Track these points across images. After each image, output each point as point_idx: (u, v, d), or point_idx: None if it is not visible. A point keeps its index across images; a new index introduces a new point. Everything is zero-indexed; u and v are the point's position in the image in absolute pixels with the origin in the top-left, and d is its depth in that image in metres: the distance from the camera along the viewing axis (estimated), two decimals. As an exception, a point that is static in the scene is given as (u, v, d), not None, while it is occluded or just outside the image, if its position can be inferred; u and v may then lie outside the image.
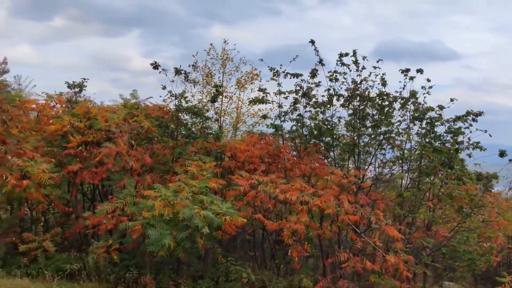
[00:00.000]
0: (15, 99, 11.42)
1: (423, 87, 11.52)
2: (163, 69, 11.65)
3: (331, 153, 11.81)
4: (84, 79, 12.21)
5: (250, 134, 12.26)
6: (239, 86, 13.88)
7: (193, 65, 12.26)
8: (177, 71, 11.58)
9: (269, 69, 12.30)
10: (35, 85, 39.30)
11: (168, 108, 12.63)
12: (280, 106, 12.24)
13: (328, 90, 11.64)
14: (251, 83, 13.85)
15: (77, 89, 12.11)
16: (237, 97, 14.37)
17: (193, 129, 11.94)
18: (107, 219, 9.36)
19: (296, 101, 12.00)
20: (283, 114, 12.10)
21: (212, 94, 11.95)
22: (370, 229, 10.15)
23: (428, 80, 11.47)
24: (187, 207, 8.62)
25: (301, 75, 12.02)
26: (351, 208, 9.57)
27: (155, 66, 11.61)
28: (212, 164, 10.16)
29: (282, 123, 12.35)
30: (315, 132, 11.59)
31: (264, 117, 12.72)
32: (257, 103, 12.43)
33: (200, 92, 13.33)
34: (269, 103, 12.31)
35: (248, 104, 12.73)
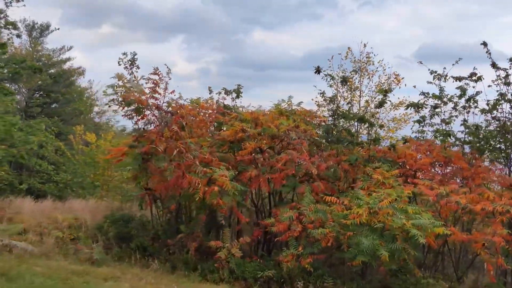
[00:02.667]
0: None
1: None
2: (325, 74, 11.52)
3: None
4: (239, 85, 12.20)
5: (413, 140, 11.79)
6: (380, 91, 13.45)
7: (355, 71, 11.96)
8: (343, 80, 11.42)
9: (430, 72, 11.92)
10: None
11: (317, 113, 12.51)
12: (418, 109, 11.90)
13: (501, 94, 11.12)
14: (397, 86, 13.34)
15: (234, 95, 12.09)
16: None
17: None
18: (294, 225, 9.27)
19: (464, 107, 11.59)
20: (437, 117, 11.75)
21: (380, 100, 11.63)
22: None
23: None
24: (396, 217, 8.34)
25: (465, 78, 11.58)
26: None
27: (317, 70, 11.48)
28: (396, 171, 9.84)
29: (422, 127, 12.07)
30: (488, 138, 11.08)
31: (419, 122, 12.27)
32: (415, 108, 12.06)
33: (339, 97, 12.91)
34: (426, 107, 11.95)
35: (406, 109, 12.30)
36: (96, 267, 8.87)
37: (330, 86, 11.69)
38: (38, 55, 34.02)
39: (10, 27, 21.89)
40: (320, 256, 9.39)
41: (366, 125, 11.27)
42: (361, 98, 12.59)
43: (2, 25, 20.91)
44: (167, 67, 10.35)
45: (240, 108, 12.51)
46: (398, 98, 13.50)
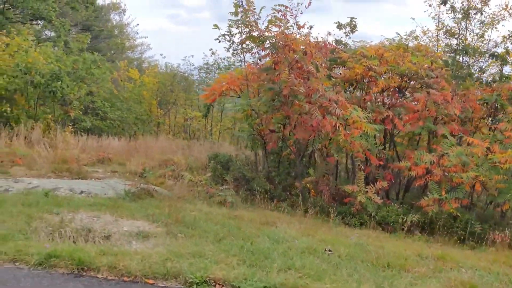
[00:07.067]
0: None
1: None
2: (451, 6, 10.60)
3: None
4: (352, 18, 11.34)
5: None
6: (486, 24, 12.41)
7: (485, 2, 10.94)
8: (466, 11, 10.51)
9: None
10: (137, 24, 39.17)
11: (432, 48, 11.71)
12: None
13: None
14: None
15: (347, 30, 11.27)
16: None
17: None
18: (435, 169, 8.93)
19: None
20: None
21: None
22: None
23: None
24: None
25: None
26: None
27: (444, 1, 10.56)
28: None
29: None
30: None
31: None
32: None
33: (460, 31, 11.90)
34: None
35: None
36: (233, 210, 8.68)
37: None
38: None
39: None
40: (464, 200, 9.12)
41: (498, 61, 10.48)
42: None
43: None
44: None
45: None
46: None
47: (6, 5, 19.07)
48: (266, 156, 11.43)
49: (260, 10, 9.35)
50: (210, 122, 22.85)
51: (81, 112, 16.63)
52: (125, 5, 36.39)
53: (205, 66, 25.06)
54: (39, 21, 23.26)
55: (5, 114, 13.74)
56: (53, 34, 23.62)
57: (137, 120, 23.73)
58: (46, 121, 14.22)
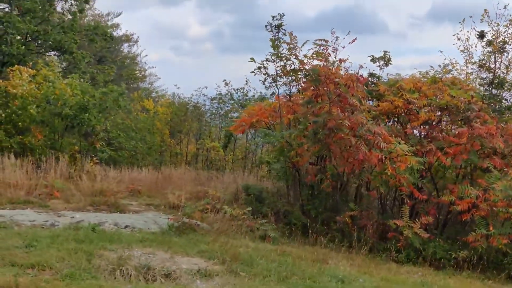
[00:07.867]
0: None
1: None
2: (488, 40, 10.67)
3: None
4: (386, 51, 11.42)
5: None
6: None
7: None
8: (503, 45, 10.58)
9: None
10: (146, 55, 39.60)
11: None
12: None
13: None
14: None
15: (381, 63, 11.34)
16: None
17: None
18: (482, 204, 8.77)
19: None
20: None
21: None
22: None
23: None
24: None
25: None
26: None
27: (481, 35, 10.67)
28: None
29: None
30: None
31: None
32: None
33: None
34: None
35: None
36: (278, 245, 8.49)
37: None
38: (86, 21, 33.16)
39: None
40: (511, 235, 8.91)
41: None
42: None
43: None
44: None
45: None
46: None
47: (28, 37, 19.26)
48: (300, 189, 11.28)
49: (303, 44, 9.45)
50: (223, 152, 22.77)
51: (103, 143, 16.56)
52: (138, 36, 36.85)
53: (218, 97, 25.07)
54: (53, 52, 23.41)
55: (29, 145, 13.70)
56: (68, 65, 23.76)
57: (150, 150, 23.57)
58: (71, 152, 14.14)
